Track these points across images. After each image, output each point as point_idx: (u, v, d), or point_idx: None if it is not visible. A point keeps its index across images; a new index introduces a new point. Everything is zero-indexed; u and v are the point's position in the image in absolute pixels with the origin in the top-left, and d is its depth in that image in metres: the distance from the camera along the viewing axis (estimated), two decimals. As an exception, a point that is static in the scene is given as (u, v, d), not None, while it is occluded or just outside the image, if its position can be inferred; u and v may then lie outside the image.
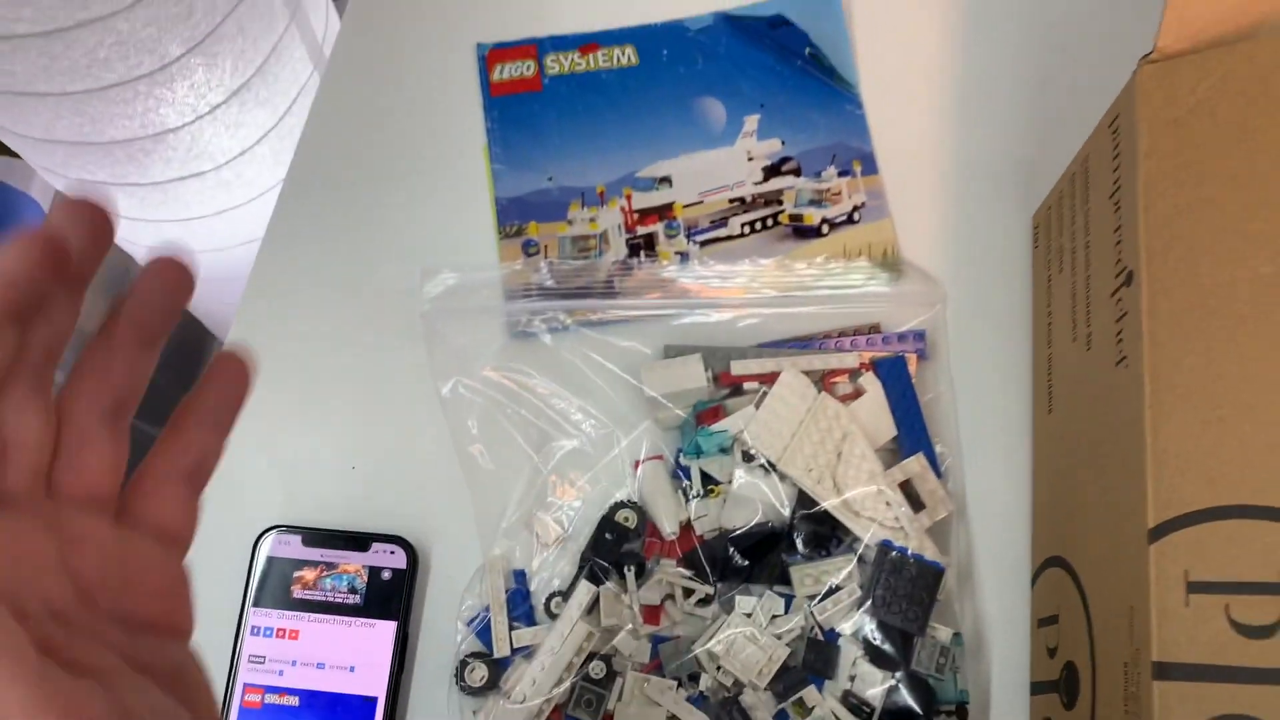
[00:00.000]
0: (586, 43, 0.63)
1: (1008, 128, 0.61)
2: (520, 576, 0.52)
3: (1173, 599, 0.37)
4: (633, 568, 0.51)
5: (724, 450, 0.52)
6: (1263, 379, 0.38)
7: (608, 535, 0.52)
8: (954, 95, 0.62)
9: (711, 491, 0.52)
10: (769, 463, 0.51)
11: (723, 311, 0.57)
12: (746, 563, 0.50)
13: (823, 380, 0.54)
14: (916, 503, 0.51)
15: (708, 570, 0.51)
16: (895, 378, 0.53)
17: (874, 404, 0.53)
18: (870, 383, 0.53)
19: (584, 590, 0.50)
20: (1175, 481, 0.38)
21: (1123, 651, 0.40)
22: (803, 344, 0.55)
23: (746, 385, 0.54)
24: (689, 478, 0.52)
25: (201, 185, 0.71)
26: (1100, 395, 0.45)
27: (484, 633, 0.50)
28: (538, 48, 0.63)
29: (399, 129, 0.62)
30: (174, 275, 0.28)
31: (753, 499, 0.51)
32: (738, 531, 0.51)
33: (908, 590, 0.49)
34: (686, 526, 0.52)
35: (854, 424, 0.52)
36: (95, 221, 0.26)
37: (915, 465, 0.52)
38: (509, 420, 0.54)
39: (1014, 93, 0.62)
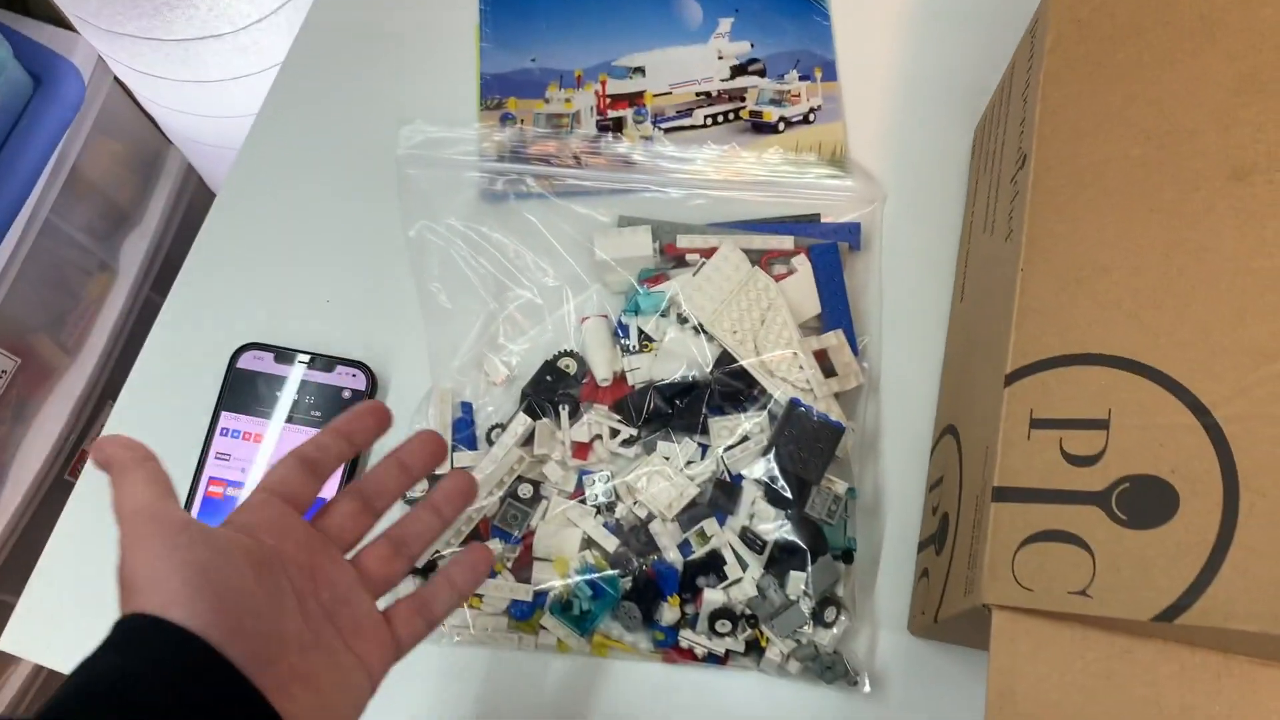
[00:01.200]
0: (580, -62, 0.68)
1: (961, 49, 0.65)
2: (467, 408, 0.57)
3: (1017, 433, 0.42)
4: (566, 407, 0.56)
5: (661, 313, 0.57)
6: (1118, 245, 0.43)
7: (549, 377, 0.57)
8: (916, 16, 0.66)
9: (646, 347, 0.57)
10: (699, 325, 0.56)
11: (677, 190, 0.61)
12: (669, 410, 0.55)
13: (760, 260, 0.58)
14: (830, 371, 0.56)
15: (633, 415, 0.56)
16: (826, 263, 0.58)
17: (802, 283, 0.58)
18: (801, 264, 0.58)
19: (520, 422, 0.55)
20: (1034, 333, 0.43)
21: (977, 487, 0.45)
22: (746, 226, 0.60)
23: (689, 257, 0.58)
24: (627, 335, 0.57)
25: (220, 47, 0.76)
26: (993, 271, 0.50)
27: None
28: (534, -60, 0.68)
29: (399, 6, 0.67)
30: (464, 483, 0.44)
31: (680, 355, 0.56)
32: (663, 382, 0.56)
33: (809, 443, 0.53)
34: (620, 378, 0.57)
35: (780, 297, 0.56)
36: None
37: (833, 339, 0.56)
38: (469, 267, 0.59)
39: (972, 18, 0.66)
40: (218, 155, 0.98)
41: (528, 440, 0.55)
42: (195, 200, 1.16)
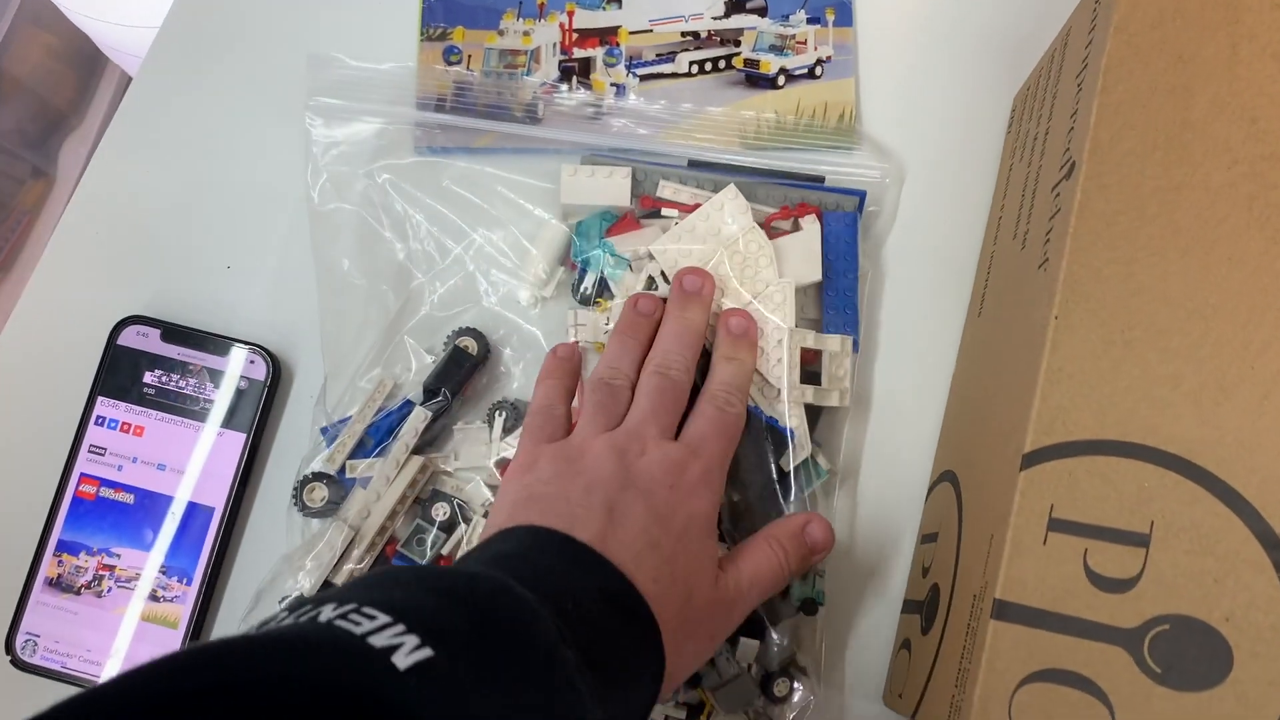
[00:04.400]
0: None
1: (1002, 18, 0.53)
2: (407, 406, 0.48)
3: (1031, 534, 0.33)
4: (503, 414, 0.47)
5: (605, 280, 0.48)
6: (1183, 302, 0.33)
7: (455, 366, 0.48)
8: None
9: (598, 304, 0.48)
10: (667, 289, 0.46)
11: (647, 147, 0.51)
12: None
13: (766, 220, 0.48)
14: (812, 378, 0.47)
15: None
16: (840, 235, 0.48)
17: (806, 247, 0.47)
18: (810, 224, 0.48)
19: (417, 416, 0.46)
20: (1064, 404, 0.34)
21: (976, 582, 0.36)
22: (737, 174, 0.50)
23: (665, 211, 0.48)
24: (582, 278, 0.48)
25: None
26: (1020, 299, 0.40)
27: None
28: None
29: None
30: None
31: None
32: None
33: (759, 462, 0.44)
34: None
35: (776, 269, 0.46)
36: None
37: (834, 343, 0.47)
38: (386, 239, 0.49)
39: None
40: (126, 38, 0.86)
41: (424, 437, 0.47)
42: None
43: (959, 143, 0.51)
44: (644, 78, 0.53)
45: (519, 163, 0.51)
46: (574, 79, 0.52)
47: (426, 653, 0.24)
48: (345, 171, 0.49)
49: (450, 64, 0.53)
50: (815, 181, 0.50)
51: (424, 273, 0.49)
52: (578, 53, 0.53)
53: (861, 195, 0.49)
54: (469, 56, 0.53)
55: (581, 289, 0.48)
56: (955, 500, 0.42)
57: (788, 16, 0.53)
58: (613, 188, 0.48)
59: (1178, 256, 0.33)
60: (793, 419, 0.44)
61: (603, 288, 0.48)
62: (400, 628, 0.24)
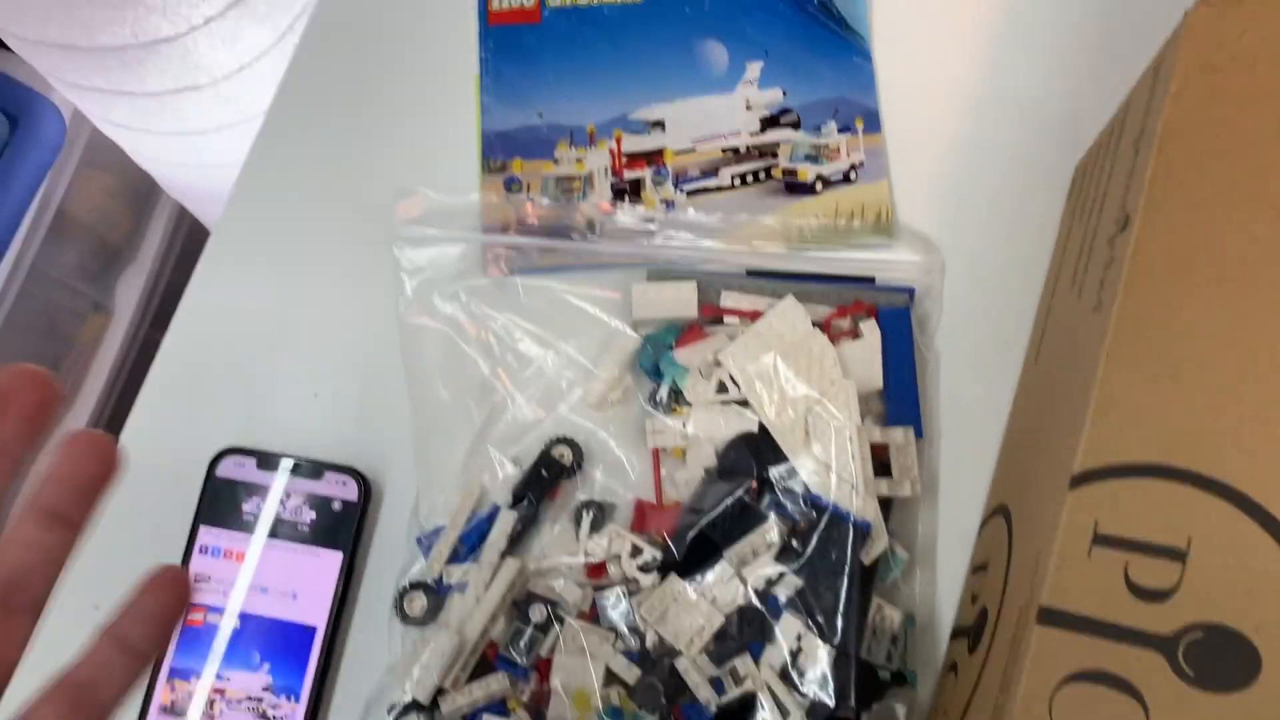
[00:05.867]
0: (591, -25, 0.61)
1: (1030, 85, 0.58)
2: (495, 511, 0.51)
3: (1076, 548, 0.36)
4: (590, 513, 0.50)
5: (678, 388, 0.51)
6: (1225, 341, 0.36)
7: (544, 471, 0.51)
8: (968, 52, 0.59)
9: (675, 410, 0.51)
10: (739, 400, 0.50)
11: (704, 262, 0.55)
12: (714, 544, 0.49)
13: (824, 322, 0.52)
14: (883, 470, 0.49)
15: (673, 548, 0.49)
16: (896, 331, 0.51)
17: (867, 351, 0.51)
18: (870, 330, 0.51)
19: (506, 520, 0.49)
20: (1112, 430, 0.37)
21: (1023, 595, 0.39)
22: (796, 281, 0.53)
23: (728, 319, 0.52)
24: (656, 387, 0.51)
25: (199, 98, 0.70)
26: (1075, 341, 0.43)
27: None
28: (540, -23, 0.61)
29: (392, 53, 0.61)
30: (93, 453, 0.28)
31: (713, 433, 0.50)
32: (708, 515, 0.49)
33: (840, 558, 0.47)
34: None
35: (840, 370, 0.50)
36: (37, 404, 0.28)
37: (899, 436, 0.50)
38: (470, 355, 0.53)
39: (1033, 53, 0.58)
40: (210, 202, 0.92)
41: (515, 540, 0.49)
42: (194, 231, 1.10)
43: (993, 226, 0.55)
44: (691, 193, 0.57)
45: (585, 277, 0.54)
46: (626, 199, 0.56)
47: None
48: (430, 294, 0.53)
49: (511, 192, 0.57)
50: (866, 281, 0.53)
51: (504, 385, 0.53)
52: (628, 174, 0.57)
53: (911, 291, 0.53)
54: (528, 185, 0.57)
55: (657, 397, 0.51)
56: (1006, 530, 0.45)
57: (819, 127, 0.57)
58: (681, 301, 0.52)
59: (1222, 299, 0.37)
60: (869, 512, 0.47)
61: (677, 394, 0.51)
62: None
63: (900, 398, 0.51)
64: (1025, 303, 0.54)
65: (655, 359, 0.52)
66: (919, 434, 0.50)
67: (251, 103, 0.73)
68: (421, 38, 0.61)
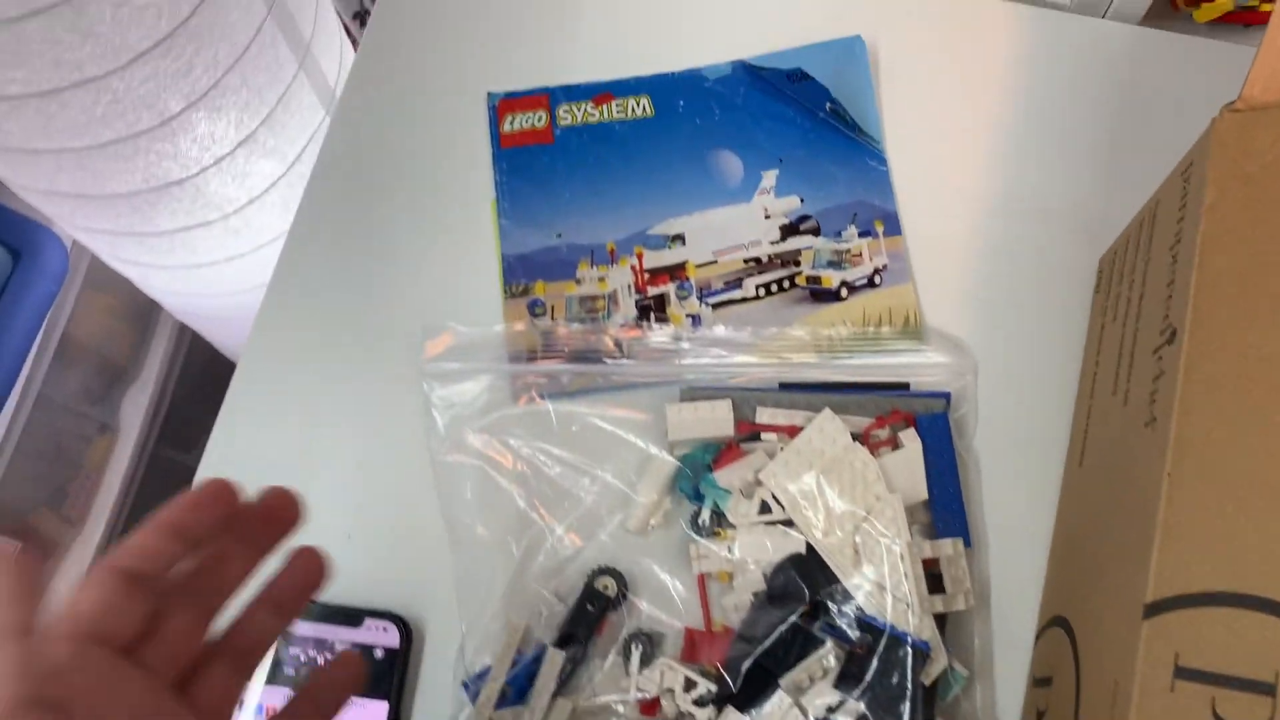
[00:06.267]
0: (600, 92, 0.61)
1: (1040, 189, 0.58)
2: (540, 650, 0.49)
3: (1158, 682, 0.35)
4: (640, 647, 0.49)
5: (720, 510, 0.50)
6: None
7: (589, 606, 0.50)
8: (982, 152, 0.59)
9: (718, 533, 0.50)
10: (784, 520, 0.49)
11: (736, 377, 0.54)
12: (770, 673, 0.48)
13: (863, 433, 0.51)
14: (936, 585, 0.49)
15: (728, 679, 0.48)
16: (936, 438, 0.51)
17: (909, 462, 0.50)
18: (910, 439, 0.51)
19: (554, 662, 0.48)
20: (1182, 558, 0.36)
21: None
22: (831, 392, 0.53)
23: (765, 435, 0.51)
24: (698, 510, 0.51)
25: (209, 233, 0.70)
26: (1126, 454, 0.43)
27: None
28: (550, 97, 0.61)
29: (406, 179, 0.61)
30: (315, 566, 0.36)
31: (760, 556, 0.49)
32: (762, 643, 0.48)
33: (901, 681, 0.46)
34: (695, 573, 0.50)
35: (884, 484, 0.49)
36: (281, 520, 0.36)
37: (949, 548, 0.49)
38: (505, 488, 0.52)
39: (1046, 150, 0.59)
40: (216, 324, 0.91)
41: (566, 679, 0.48)
42: (195, 346, 1.10)
43: (1022, 322, 0.55)
44: (716, 306, 0.56)
45: (616, 399, 0.54)
46: (651, 315, 0.56)
47: None
48: (462, 429, 0.52)
49: (535, 315, 0.56)
50: (901, 388, 0.53)
51: (542, 516, 0.52)
52: (651, 290, 0.57)
53: (947, 396, 0.52)
54: (552, 307, 0.57)
55: (699, 521, 0.50)
56: (1069, 646, 0.44)
57: (840, 233, 0.57)
58: (716, 420, 0.51)
59: (1282, 421, 0.36)
60: (926, 632, 0.46)
61: (720, 517, 0.50)
62: None
63: (946, 507, 0.50)
64: (1061, 400, 0.53)
65: (695, 482, 0.51)
66: (967, 543, 0.50)
67: (262, 232, 0.73)
68: (435, 163, 0.61)
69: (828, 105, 0.59)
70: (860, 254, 0.57)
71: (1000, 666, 0.49)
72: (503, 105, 0.61)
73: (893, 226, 0.57)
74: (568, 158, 0.60)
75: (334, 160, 0.62)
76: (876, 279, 0.56)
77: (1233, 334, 0.38)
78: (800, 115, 0.60)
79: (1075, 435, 0.52)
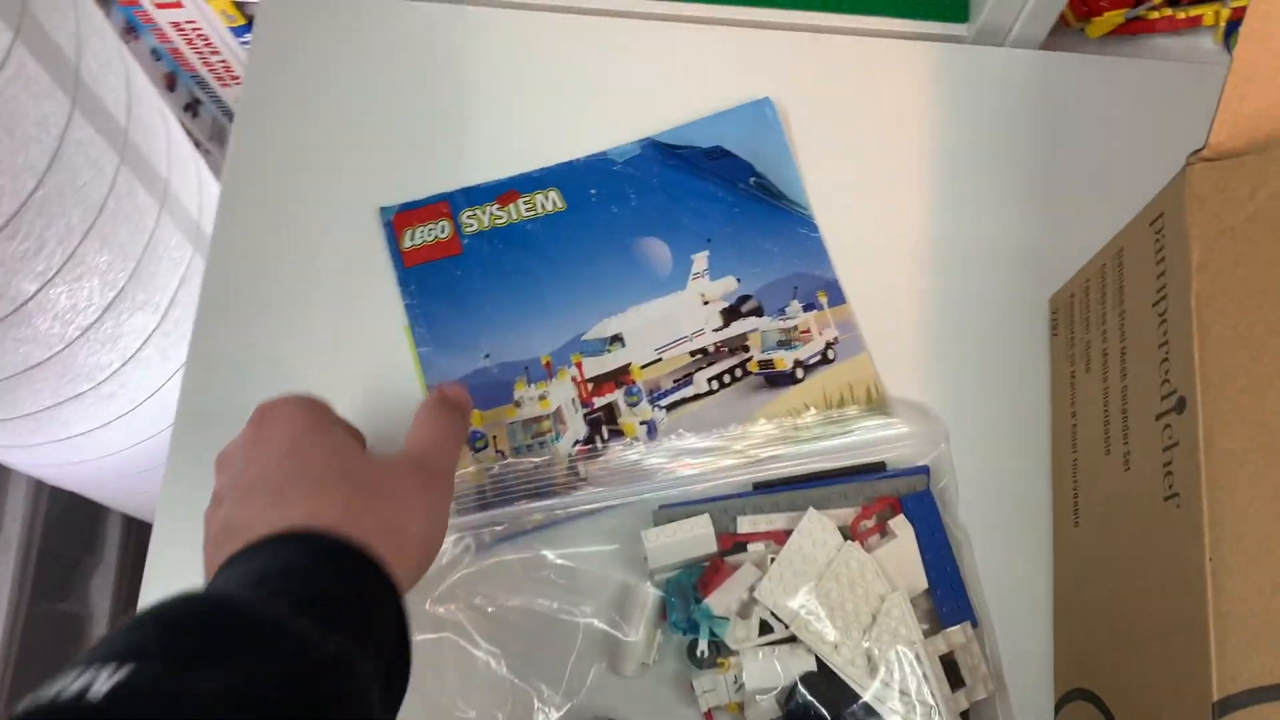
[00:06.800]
0: (504, 191, 0.56)
1: (975, 228, 0.56)
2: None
3: None
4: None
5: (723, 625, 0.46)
6: None
7: None
8: (910, 200, 0.57)
9: (721, 663, 0.46)
10: (787, 637, 0.46)
11: (706, 482, 0.51)
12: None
13: (850, 525, 0.48)
14: (956, 680, 0.46)
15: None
16: (924, 517, 0.49)
17: (903, 550, 0.48)
18: (900, 526, 0.48)
19: None
20: (1242, 651, 0.34)
21: None
22: (804, 486, 0.50)
23: (751, 546, 0.48)
24: (694, 644, 0.47)
25: (80, 404, 0.62)
26: (1146, 527, 0.41)
27: None
28: (450, 204, 0.56)
29: (302, 312, 0.55)
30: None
31: (771, 683, 0.45)
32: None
33: None
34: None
35: (884, 580, 0.46)
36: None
37: (960, 636, 0.47)
38: (480, 657, 0.47)
39: (974, 189, 0.57)
40: (99, 488, 0.82)
41: None
42: (58, 497, 0.99)
43: (981, 370, 0.53)
44: (669, 407, 0.52)
45: (582, 529, 0.49)
46: (603, 428, 0.52)
47: (123, 672, 0.25)
48: (422, 601, 0.47)
49: (477, 450, 0.51)
50: (878, 469, 0.50)
51: (526, 679, 0.47)
52: (598, 401, 0.52)
53: (926, 470, 0.50)
54: (494, 437, 0.52)
55: (697, 654, 0.46)
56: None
57: (784, 309, 0.54)
58: (697, 539, 0.47)
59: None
60: None
61: (719, 646, 0.46)
62: (91, 670, 0.25)
63: (947, 590, 0.48)
64: (1035, 451, 0.52)
65: (686, 614, 0.47)
66: (974, 624, 0.48)
67: (140, 390, 0.65)
68: (331, 292, 0.55)
69: (751, 180, 0.56)
70: (808, 329, 0.54)
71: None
72: (399, 219, 0.55)
73: (836, 296, 0.54)
74: (482, 268, 0.55)
75: (216, 297, 0.55)
76: (830, 353, 0.53)
77: (1248, 401, 0.36)
78: (721, 189, 0.56)
79: (1061, 493, 0.50)
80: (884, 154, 0.58)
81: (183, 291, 0.64)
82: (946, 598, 0.48)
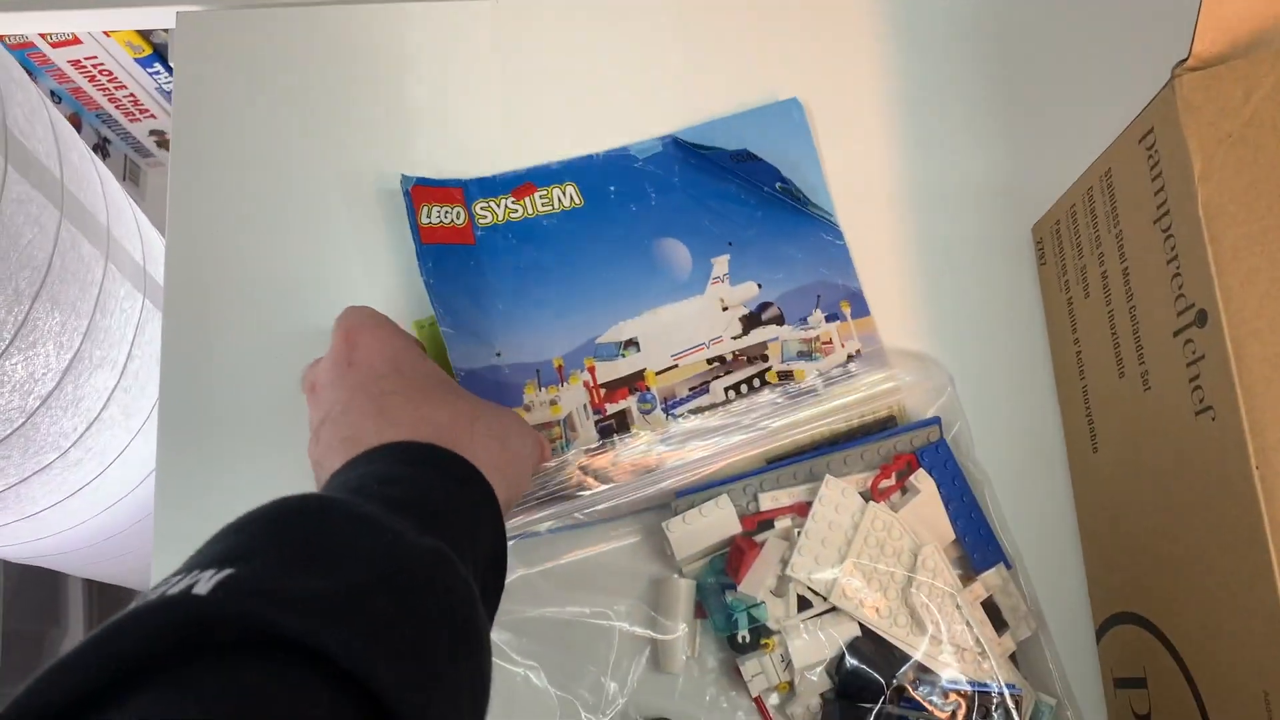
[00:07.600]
0: (520, 183, 0.54)
1: (954, 165, 0.56)
2: None
3: None
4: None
5: (755, 622, 0.45)
6: None
7: None
8: (895, 138, 0.56)
9: (765, 644, 0.45)
10: (827, 609, 0.45)
11: (719, 462, 0.49)
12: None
13: (870, 487, 0.48)
14: (998, 623, 0.46)
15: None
16: (942, 468, 0.48)
17: (928, 504, 0.48)
18: (921, 480, 0.48)
19: None
20: None
21: None
22: (817, 454, 0.49)
23: (777, 520, 0.47)
24: (734, 631, 0.45)
25: (46, 477, 0.57)
26: (1176, 444, 0.41)
27: None
28: (464, 192, 0.53)
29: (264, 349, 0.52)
30: None
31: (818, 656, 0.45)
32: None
33: None
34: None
35: (912, 537, 0.46)
36: None
37: (995, 579, 0.47)
38: (518, 673, 0.45)
39: (948, 128, 0.56)
40: (65, 559, 0.78)
41: None
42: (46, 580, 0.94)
43: (975, 306, 0.54)
44: (683, 416, 0.50)
45: (598, 530, 0.48)
46: (615, 437, 0.50)
47: (226, 572, 0.26)
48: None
49: (485, 453, 0.49)
50: (888, 425, 0.50)
51: (567, 688, 0.45)
52: (610, 408, 0.50)
53: (937, 421, 0.49)
54: (503, 440, 0.49)
55: (739, 638, 0.45)
56: (1160, 645, 0.42)
57: (804, 318, 0.53)
58: (721, 521, 0.47)
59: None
60: (1006, 672, 0.44)
61: (761, 627, 0.45)
62: (194, 573, 0.26)
63: (976, 537, 0.48)
64: (1039, 382, 0.52)
65: (723, 609, 0.45)
66: (1008, 565, 0.48)
67: (105, 453, 0.60)
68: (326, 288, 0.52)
69: (777, 185, 0.54)
70: (830, 340, 0.52)
71: (1075, 681, 0.47)
72: (416, 192, 0.52)
73: (860, 307, 0.53)
74: (495, 263, 0.52)
75: (175, 345, 0.52)
76: (852, 366, 0.52)
77: (1272, 305, 0.36)
78: (744, 192, 0.54)
79: (1074, 421, 0.50)
80: (901, 160, 0.56)
81: (138, 343, 0.60)
82: (977, 544, 0.48)
